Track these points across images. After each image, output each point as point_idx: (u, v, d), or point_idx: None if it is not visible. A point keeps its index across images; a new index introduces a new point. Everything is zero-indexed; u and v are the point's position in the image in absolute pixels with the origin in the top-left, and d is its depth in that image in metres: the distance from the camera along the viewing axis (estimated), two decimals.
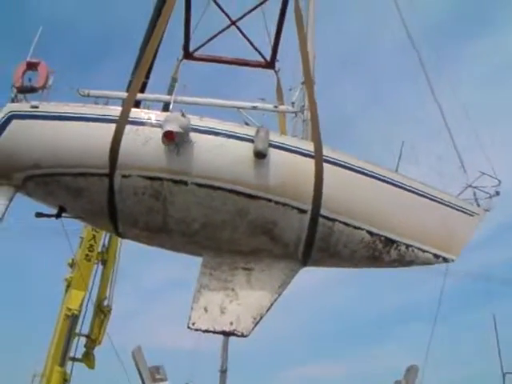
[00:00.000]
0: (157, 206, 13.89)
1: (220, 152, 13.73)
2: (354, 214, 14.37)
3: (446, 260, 15.42)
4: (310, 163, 14.04)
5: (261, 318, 14.09)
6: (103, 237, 27.27)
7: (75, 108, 14.12)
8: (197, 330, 14.00)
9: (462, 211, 15.62)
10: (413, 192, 15.05)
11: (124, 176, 13.60)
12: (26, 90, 14.30)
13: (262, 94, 16.51)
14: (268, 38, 18.09)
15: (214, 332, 13.99)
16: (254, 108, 15.73)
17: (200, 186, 13.62)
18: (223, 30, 17.52)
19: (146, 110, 14.30)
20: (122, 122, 13.64)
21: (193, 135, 13.54)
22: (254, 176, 13.76)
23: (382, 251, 14.80)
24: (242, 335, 13.85)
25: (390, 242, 14.76)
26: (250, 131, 14.05)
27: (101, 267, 27.61)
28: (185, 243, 14.85)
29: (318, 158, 14.10)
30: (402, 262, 15.19)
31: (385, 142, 15.05)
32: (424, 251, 15.12)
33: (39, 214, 14.93)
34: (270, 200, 13.81)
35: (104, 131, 13.62)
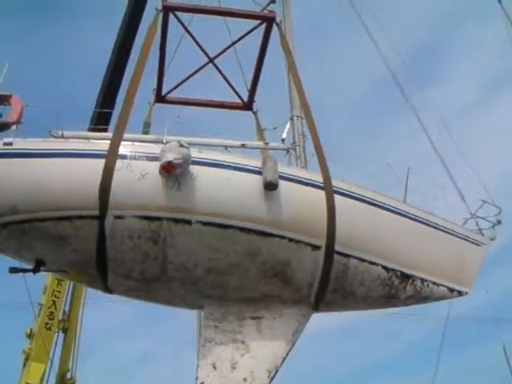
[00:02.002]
0: (155, 251, 11.09)
1: (226, 186, 11.20)
2: (368, 248, 12.00)
3: (460, 293, 13.25)
4: (321, 195, 11.68)
5: (276, 370, 11.42)
6: (63, 303, 23.90)
7: (56, 144, 11.40)
8: None
9: (471, 241, 13.58)
10: (423, 223, 12.88)
11: (117, 217, 10.78)
12: None
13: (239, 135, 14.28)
14: (243, 77, 15.95)
15: None
16: (243, 146, 13.42)
17: (206, 224, 10.98)
18: (200, 69, 15.20)
19: (138, 143, 11.77)
20: (112, 156, 10.89)
21: (193, 168, 10.98)
22: (266, 211, 11.23)
23: (398, 288, 12.44)
24: None
25: (405, 277, 12.43)
26: (255, 162, 11.65)
27: (61, 337, 24.05)
28: (185, 293, 12.00)
29: (329, 190, 11.75)
30: (418, 298, 12.86)
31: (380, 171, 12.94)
32: (439, 285, 12.87)
33: (14, 270, 11.82)
34: (282, 237, 11.31)
35: (92, 167, 10.85)
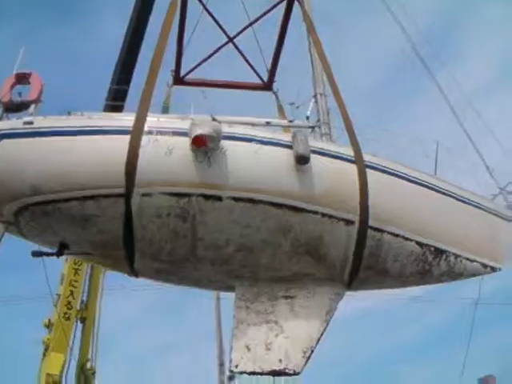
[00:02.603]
0: (184, 230, 10.29)
1: (256, 160, 10.42)
2: (401, 223, 11.21)
3: (493, 269, 12.49)
4: (352, 169, 10.98)
5: (312, 351, 10.54)
6: (81, 293, 23.10)
7: (79, 121, 10.57)
8: (241, 372, 10.44)
9: (501, 217, 12.85)
10: (455, 198, 12.17)
11: (144, 195, 9.96)
12: (15, 106, 10.83)
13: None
14: (262, 57, 15.24)
15: (262, 373, 10.45)
16: (268, 124, 12.63)
17: (237, 200, 10.19)
18: (220, 48, 14.47)
19: (165, 117, 11.06)
20: (138, 131, 10.12)
21: (223, 143, 10.25)
22: (297, 185, 10.45)
23: (431, 263, 11.66)
24: (294, 373, 10.31)
25: (439, 252, 11.65)
26: (285, 136, 10.93)
27: (80, 327, 23.24)
28: (215, 273, 11.22)
29: (360, 163, 11.03)
30: (451, 274, 12.07)
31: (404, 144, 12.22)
32: (472, 261, 12.09)
33: (36, 253, 11.08)
34: (315, 212, 10.54)
35: (116, 144, 10.09)
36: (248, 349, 10.45)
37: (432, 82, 15.29)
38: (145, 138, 10.13)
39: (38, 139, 10.34)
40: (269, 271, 11.05)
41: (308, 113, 13.23)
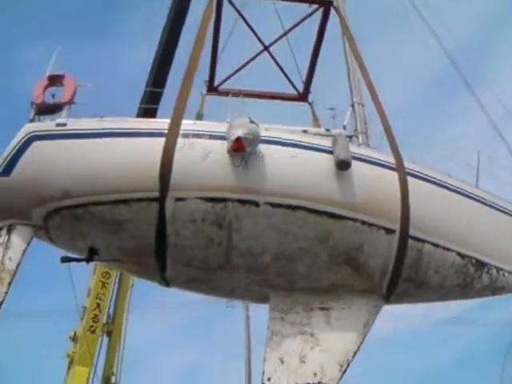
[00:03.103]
0: (219, 236, 9.88)
1: (295, 165, 10.01)
2: (442, 233, 10.70)
3: None
4: (393, 176, 10.50)
5: (348, 364, 10.05)
6: (107, 306, 22.65)
7: (113, 123, 10.26)
8: None
9: None
10: (497, 209, 11.59)
11: (179, 199, 9.61)
12: (48, 108, 10.56)
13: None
14: (297, 67, 14.86)
15: None
16: (305, 132, 12.18)
17: (274, 206, 9.76)
18: (255, 57, 14.11)
19: (200, 121, 10.70)
20: (173, 134, 9.80)
21: (261, 147, 9.83)
22: (338, 191, 10.02)
23: (473, 276, 11.08)
24: None
25: (481, 265, 11.08)
26: (325, 141, 10.46)
27: (106, 341, 22.72)
28: (250, 283, 10.76)
29: (401, 171, 10.56)
30: (493, 288, 11.46)
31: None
32: None
33: (66, 259, 10.71)
34: (355, 219, 10.08)
35: (151, 147, 9.80)
36: (282, 361, 9.97)
37: (472, 96, 14.74)
38: (180, 141, 9.80)
39: (70, 141, 10.08)
40: (305, 281, 10.58)
41: (345, 122, 12.75)
